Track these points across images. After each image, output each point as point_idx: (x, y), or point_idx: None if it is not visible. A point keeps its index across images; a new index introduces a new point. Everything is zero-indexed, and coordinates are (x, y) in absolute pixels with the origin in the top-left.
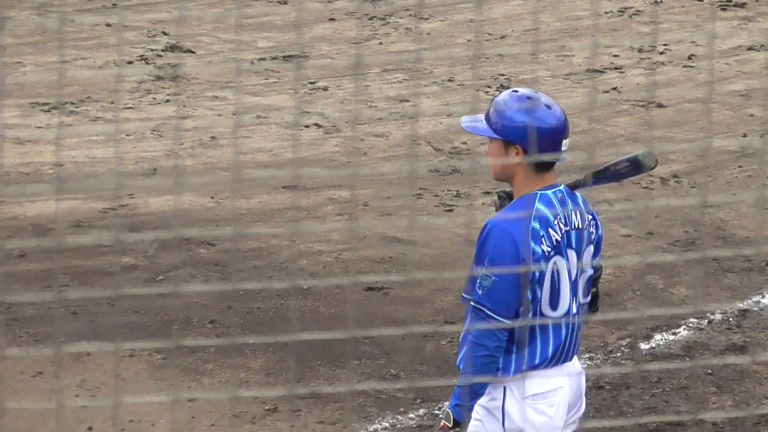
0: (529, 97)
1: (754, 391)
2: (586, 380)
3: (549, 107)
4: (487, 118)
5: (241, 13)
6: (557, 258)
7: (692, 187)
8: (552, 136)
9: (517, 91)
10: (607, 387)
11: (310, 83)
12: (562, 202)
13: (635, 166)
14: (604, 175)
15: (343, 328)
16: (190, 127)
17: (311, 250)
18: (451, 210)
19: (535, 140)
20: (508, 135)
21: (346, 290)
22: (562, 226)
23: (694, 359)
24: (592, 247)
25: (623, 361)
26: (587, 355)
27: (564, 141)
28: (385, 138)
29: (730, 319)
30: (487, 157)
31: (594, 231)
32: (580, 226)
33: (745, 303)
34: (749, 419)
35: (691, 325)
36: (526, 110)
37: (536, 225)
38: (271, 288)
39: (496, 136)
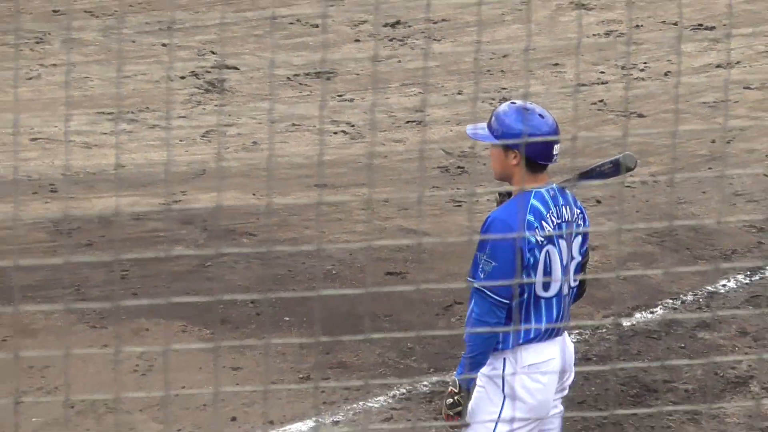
0: (525, 108)
1: (721, 362)
2: (575, 353)
3: (542, 116)
4: (489, 126)
5: (279, 35)
6: (549, 247)
7: (668, 186)
8: (545, 143)
9: (515, 103)
10: (594, 359)
11: (339, 95)
12: (554, 199)
13: (617, 168)
14: (591, 176)
15: (366, 306)
16: (234, 133)
17: (339, 240)
18: (459, 205)
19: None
20: (508, 140)
21: (369, 274)
22: (554, 219)
23: (670, 334)
24: (580, 238)
25: (608, 336)
26: (576, 331)
27: (556, 146)
28: (402, 143)
29: (700, 300)
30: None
31: (582, 223)
32: (570, 219)
33: (713, 286)
34: (716, 386)
35: (666, 305)
36: (523, 119)
37: (531, 218)
38: (304, 272)
39: (497, 142)
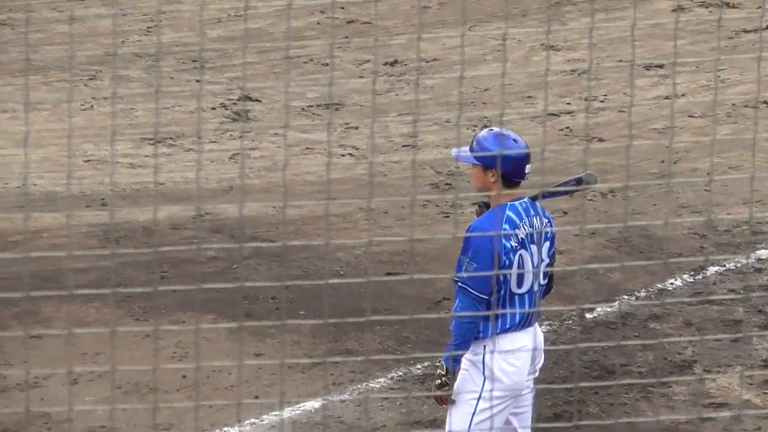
0: (501, 134)
1: (669, 348)
2: (545, 341)
3: (516, 141)
4: (471, 149)
5: (295, 72)
6: (522, 251)
7: (624, 199)
8: (519, 162)
9: (492, 129)
10: (562, 345)
11: (345, 124)
12: (526, 210)
13: (580, 184)
14: (558, 191)
15: (368, 302)
16: (257, 156)
17: (345, 245)
18: (447, 216)
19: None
20: (486, 161)
21: (371, 274)
22: (526, 227)
23: (626, 325)
24: (548, 243)
25: (573, 327)
26: (547, 322)
27: (527, 166)
28: (399, 163)
29: (651, 296)
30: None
31: (549, 231)
32: (540, 228)
33: (663, 284)
34: (665, 368)
35: (623, 300)
36: (499, 143)
37: (506, 226)
38: (316, 273)
39: (478, 163)
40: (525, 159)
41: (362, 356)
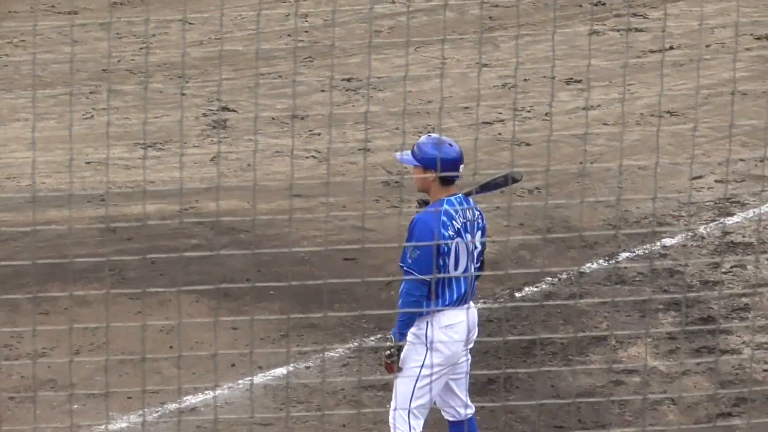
0: (439, 139)
1: (587, 323)
2: (480, 316)
3: (451, 145)
4: (413, 153)
5: (265, 87)
6: (458, 239)
7: (548, 195)
8: (453, 163)
9: (431, 135)
10: (495, 320)
11: (309, 131)
12: (461, 204)
13: (508, 180)
14: (488, 187)
15: (328, 284)
16: (234, 158)
17: (309, 235)
18: (396, 208)
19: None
20: (425, 163)
21: (331, 260)
22: (460, 219)
23: (550, 303)
24: (479, 232)
25: (505, 304)
26: (482, 300)
27: (461, 166)
28: (355, 165)
29: (572, 278)
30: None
31: (480, 221)
32: (473, 219)
33: (581, 268)
34: (584, 340)
35: (547, 281)
36: (436, 147)
37: (444, 218)
38: (284, 259)
39: (418, 164)
40: (458, 160)
41: (324, 329)
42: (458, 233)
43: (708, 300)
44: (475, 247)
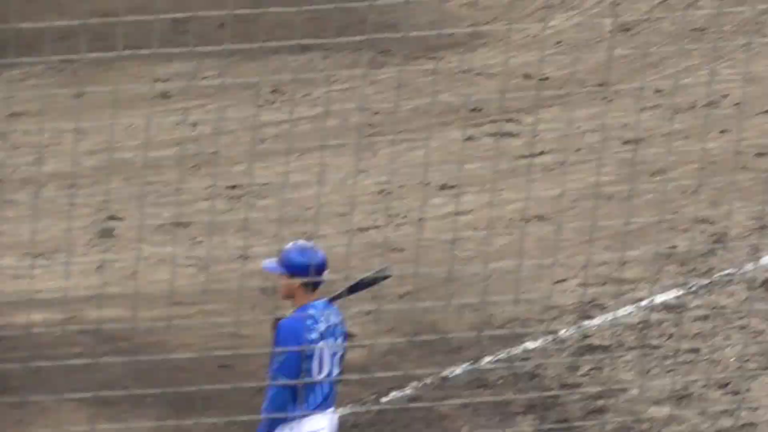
0: (305, 246)
1: (448, 427)
2: (345, 422)
3: (316, 252)
4: (280, 261)
5: (153, 194)
6: (322, 342)
7: (416, 299)
8: (317, 269)
9: (297, 243)
10: (359, 426)
11: (192, 239)
12: (325, 309)
13: (377, 278)
14: (358, 287)
15: (202, 390)
16: (119, 266)
17: (187, 342)
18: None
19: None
20: (291, 269)
21: (207, 366)
22: (324, 324)
23: (413, 405)
24: (341, 337)
25: (370, 409)
26: (350, 404)
27: (325, 272)
28: (235, 272)
29: (434, 382)
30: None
31: (342, 326)
32: (336, 324)
33: (445, 372)
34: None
35: (412, 386)
36: (301, 253)
37: (309, 323)
38: (162, 366)
39: (285, 271)
40: (323, 266)
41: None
42: (322, 337)
43: (565, 403)
44: (337, 351)
